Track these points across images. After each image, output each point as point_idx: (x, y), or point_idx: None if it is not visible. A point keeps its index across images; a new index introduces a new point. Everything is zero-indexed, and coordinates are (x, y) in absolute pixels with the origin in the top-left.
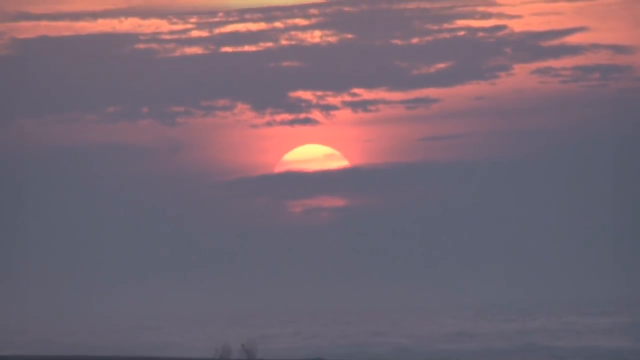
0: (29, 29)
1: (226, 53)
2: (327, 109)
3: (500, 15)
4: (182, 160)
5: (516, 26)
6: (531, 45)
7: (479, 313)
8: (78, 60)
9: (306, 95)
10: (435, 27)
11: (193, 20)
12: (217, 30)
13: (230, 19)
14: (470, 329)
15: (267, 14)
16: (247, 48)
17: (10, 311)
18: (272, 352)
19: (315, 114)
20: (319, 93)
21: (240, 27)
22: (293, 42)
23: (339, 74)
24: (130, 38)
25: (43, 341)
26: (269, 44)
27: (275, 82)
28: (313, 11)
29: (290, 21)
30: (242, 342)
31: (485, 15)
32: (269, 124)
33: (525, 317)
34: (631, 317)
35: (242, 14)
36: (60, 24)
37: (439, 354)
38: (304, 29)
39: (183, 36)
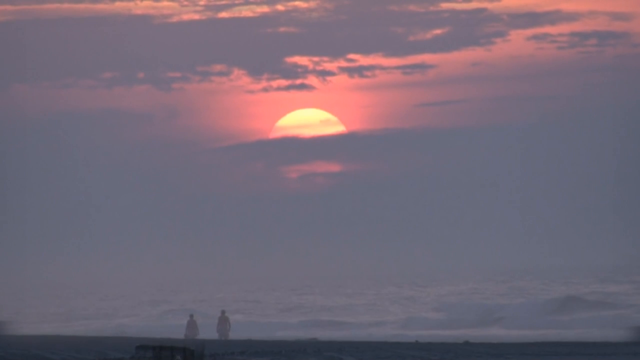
0: None
1: (223, 19)
2: (323, 74)
3: None
4: (178, 126)
5: None
6: (527, 12)
7: (482, 277)
8: (75, 25)
9: (302, 60)
10: None
11: None
12: None
13: None
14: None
15: None
16: (244, 14)
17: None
18: (267, 324)
19: (312, 80)
20: (315, 59)
21: None
22: (289, 8)
23: (335, 39)
24: (127, 3)
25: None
26: (266, 10)
27: (271, 48)
28: None
29: None
30: (222, 308)
31: None
32: (265, 89)
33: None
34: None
35: None
36: None
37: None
38: None
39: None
